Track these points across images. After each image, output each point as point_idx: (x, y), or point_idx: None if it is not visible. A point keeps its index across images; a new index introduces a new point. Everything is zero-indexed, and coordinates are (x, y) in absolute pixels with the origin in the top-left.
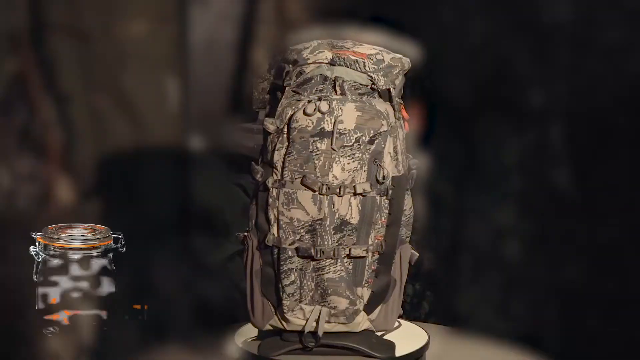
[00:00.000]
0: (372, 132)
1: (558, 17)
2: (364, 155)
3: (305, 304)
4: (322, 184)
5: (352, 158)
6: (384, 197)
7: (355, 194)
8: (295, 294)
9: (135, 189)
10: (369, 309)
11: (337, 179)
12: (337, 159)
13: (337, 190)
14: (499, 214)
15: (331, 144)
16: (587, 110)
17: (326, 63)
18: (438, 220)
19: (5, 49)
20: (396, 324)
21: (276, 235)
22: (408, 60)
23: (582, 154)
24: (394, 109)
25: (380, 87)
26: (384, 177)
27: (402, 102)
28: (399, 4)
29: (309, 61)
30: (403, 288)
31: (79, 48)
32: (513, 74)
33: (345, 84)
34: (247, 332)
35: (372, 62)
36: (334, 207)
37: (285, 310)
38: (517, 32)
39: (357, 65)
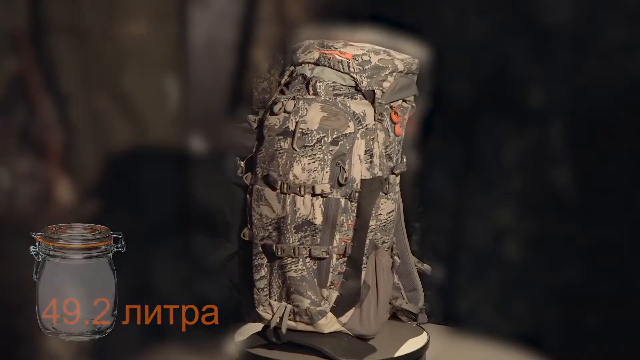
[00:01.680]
0: (335, 133)
1: (558, 17)
2: (325, 156)
3: (275, 299)
4: (284, 183)
5: (313, 158)
6: (349, 200)
7: (314, 194)
8: (265, 289)
9: (135, 189)
10: (338, 311)
11: (297, 178)
12: (297, 158)
13: (298, 189)
14: (499, 214)
15: (292, 144)
16: (587, 110)
17: (312, 63)
18: (438, 220)
19: (5, 49)
20: (424, 334)
21: (249, 230)
22: (413, 60)
23: (582, 154)
24: (375, 110)
25: (363, 88)
26: (345, 180)
27: (412, 104)
28: (399, 4)
29: (299, 60)
30: (387, 294)
31: (79, 48)
32: (513, 74)
33: (321, 84)
34: (247, 332)
35: (356, 62)
36: (295, 206)
37: (256, 305)
38: (517, 32)
39: (341, 65)
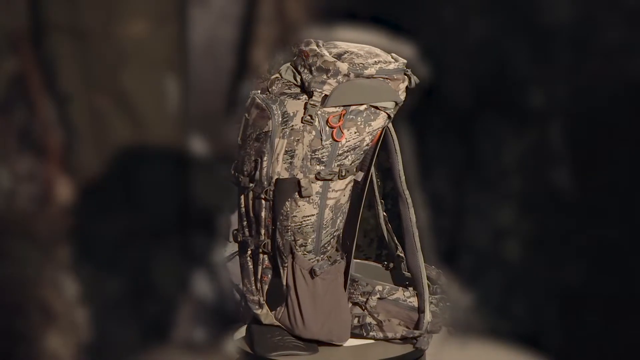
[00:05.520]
0: (258, 130)
1: (558, 17)
2: (251, 152)
3: None
4: (234, 173)
5: (245, 153)
6: (263, 198)
7: (241, 187)
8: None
9: (135, 189)
10: (271, 305)
11: (237, 170)
12: (240, 151)
13: (237, 180)
14: (499, 214)
15: (238, 137)
16: (587, 110)
17: (290, 62)
18: (438, 220)
19: (5, 49)
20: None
21: None
22: (374, 64)
23: (582, 154)
24: (304, 112)
25: (306, 88)
26: (253, 176)
27: (388, 112)
28: (399, 4)
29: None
30: (315, 300)
31: (79, 48)
32: (513, 74)
33: (278, 82)
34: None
35: (307, 63)
36: (239, 196)
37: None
38: (517, 32)
39: (302, 65)
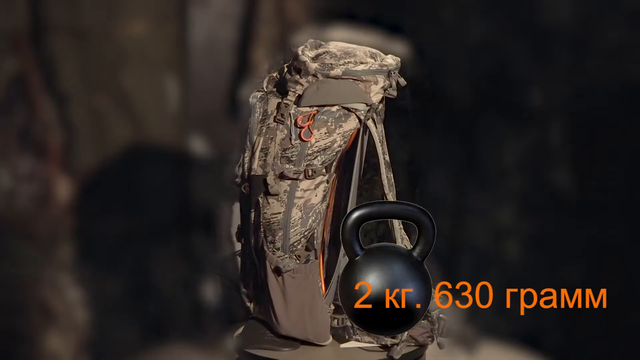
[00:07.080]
0: (244, 127)
1: (558, 17)
2: (240, 147)
3: None
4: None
5: (239, 148)
6: (244, 192)
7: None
8: None
9: (135, 189)
10: (258, 300)
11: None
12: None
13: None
14: (499, 214)
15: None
16: (587, 110)
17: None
18: (438, 220)
19: (5, 49)
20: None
21: None
22: (340, 65)
23: (582, 154)
24: (277, 110)
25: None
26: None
27: (359, 114)
28: (399, 4)
29: None
30: (285, 300)
31: (79, 48)
32: (513, 74)
33: (272, 80)
34: (247, 332)
35: (291, 61)
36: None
37: None
38: (517, 32)
39: (289, 64)
